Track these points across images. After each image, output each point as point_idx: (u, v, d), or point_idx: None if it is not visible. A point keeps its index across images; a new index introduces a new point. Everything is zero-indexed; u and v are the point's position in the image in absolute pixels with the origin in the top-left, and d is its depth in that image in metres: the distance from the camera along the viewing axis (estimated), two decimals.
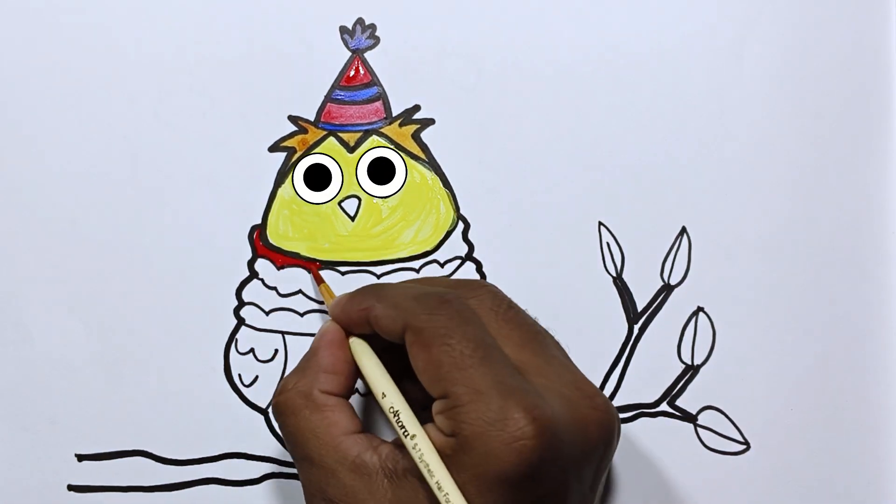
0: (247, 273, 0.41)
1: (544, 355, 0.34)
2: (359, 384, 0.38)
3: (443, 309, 0.33)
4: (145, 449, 0.41)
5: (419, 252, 0.42)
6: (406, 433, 0.32)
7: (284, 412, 0.35)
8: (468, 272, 0.42)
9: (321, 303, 0.41)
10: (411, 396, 0.34)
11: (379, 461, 0.33)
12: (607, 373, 0.42)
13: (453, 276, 0.41)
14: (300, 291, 0.41)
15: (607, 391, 0.42)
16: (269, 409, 0.41)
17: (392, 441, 0.35)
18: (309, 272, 0.41)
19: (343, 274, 0.41)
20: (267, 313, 0.41)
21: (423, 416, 0.33)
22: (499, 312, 0.35)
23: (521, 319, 0.35)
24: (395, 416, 0.33)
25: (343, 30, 0.42)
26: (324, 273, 0.41)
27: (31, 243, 0.41)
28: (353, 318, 0.36)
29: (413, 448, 0.32)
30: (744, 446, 0.42)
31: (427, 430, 0.33)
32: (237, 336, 0.41)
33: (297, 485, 0.41)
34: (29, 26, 0.41)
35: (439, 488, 0.31)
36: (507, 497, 0.31)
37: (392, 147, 0.42)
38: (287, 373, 0.41)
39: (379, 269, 0.41)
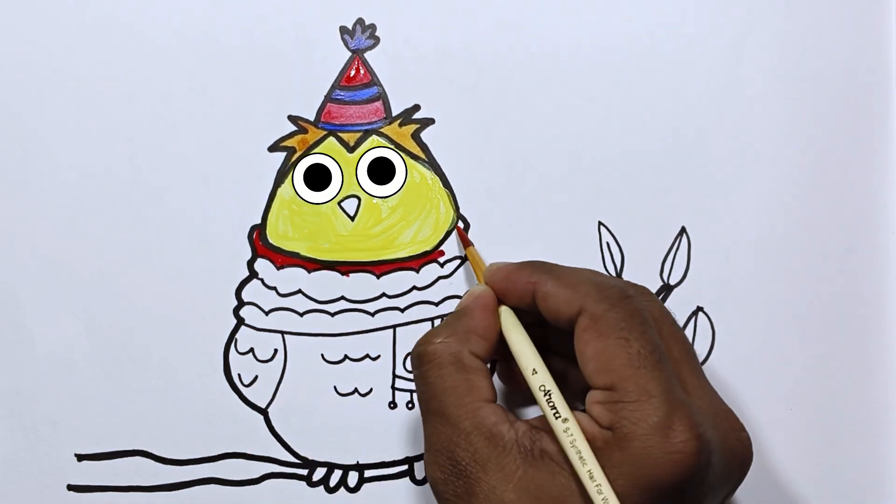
0: (247, 273, 0.41)
1: (699, 377, 0.35)
2: None
3: (624, 303, 0.33)
4: (145, 449, 0.41)
5: (419, 252, 0.42)
6: (557, 415, 0.32)
7: (430, 363, 0.35)
8: (468, 272, 0.41)
9: (323, 302, 0.41)
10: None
11: (515, 436, 0.33)
12: None
13: (452, 277, 0.41)
14: (300, 291, 0.41)
15: None
16: (269, 409, 0.41)
17: (528, 420, 0.34)
18: (455, 231, 0.41)
19: (343, 274, 0.41)
20: (267, 313, 0.41)
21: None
22: (665, 321, 0.35)
23: (682, 335, 0.35)
24: (546, 395, 0.33)
25: (343, 30, 0.42)
26: (323, 273, 0.41)
27: (32, 243, 0.41)
28: (517, 288, 0.35)
29: (564, 431, 0.32)
30: None
31: (577, 417, 0.32)
32: (237, 336, 0.41)
33: (296, 485, 0.41)
34: (29, 26, 0.41)
35: (591, 477, 0.31)
36: (650, 502, 0.31)
37: (392, 147, 0.42)
38: (292, 372, 0.41)
39: (379, 269, 0.41)
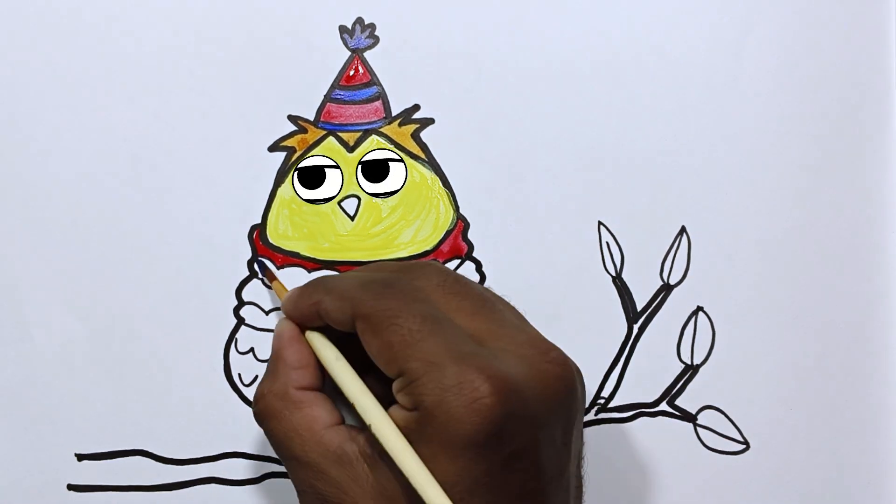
0: (247, 273, 0.41)
1: (497, 320, 0.34)
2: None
3: (388, 292, 0.34)
4: (145, 448, 0.41)
5: (419, 252, 0.42)
6: (365, 416, 0.33)
7: (266, 417, 0.35)
8: (468, 272, 0.42)
9: None
10: (378, 386, 0.34)
11: (358, 449, 0.34)
12: (607, 372, 0.42)
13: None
14: None
15: (607, 391, 0.42)
16: None
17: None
18: (260, 270, 0.41)
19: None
20: (267, 313, 0.41)
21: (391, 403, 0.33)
22: (445, 286, 0.35)
23: (468, 290, 0.35)
24: (356, 403, 0.33)
25: (343, 29, 0.42)
26: (323, 272, 0.41)
27: (32, 243, 0.41)
28: (305, 314, 0.36)
29: (375, 432, 0.32)
30: (743, 446, 0.42)
31: (390, 413, 0.33)
32: (237, 336, 0.41)
33: None
34: (29, 27, 0.41)
35: (402, 468, 0.31)
36: (476, 459, 0.31)
37: (392, 147, 0.42)
38: None
39: None
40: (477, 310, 0.34)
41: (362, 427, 0.33)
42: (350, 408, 0.34)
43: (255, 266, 0.41)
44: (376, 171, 0.42)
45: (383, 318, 0.33)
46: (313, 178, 0.41)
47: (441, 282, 0.35)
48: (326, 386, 0.37)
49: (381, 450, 0.33)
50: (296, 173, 0.41)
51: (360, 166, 0.42)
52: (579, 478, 0.35)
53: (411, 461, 0.31)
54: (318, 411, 0.35)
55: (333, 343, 0.36)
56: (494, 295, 0.36)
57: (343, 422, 0.35)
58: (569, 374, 0.33)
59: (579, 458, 0.35)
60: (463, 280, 0.36)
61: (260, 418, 0.36)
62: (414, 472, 0.31)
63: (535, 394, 0.32)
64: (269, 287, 0.41)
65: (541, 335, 0.35)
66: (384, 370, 0.33)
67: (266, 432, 0.36)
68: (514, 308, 0.36)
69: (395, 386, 0.33)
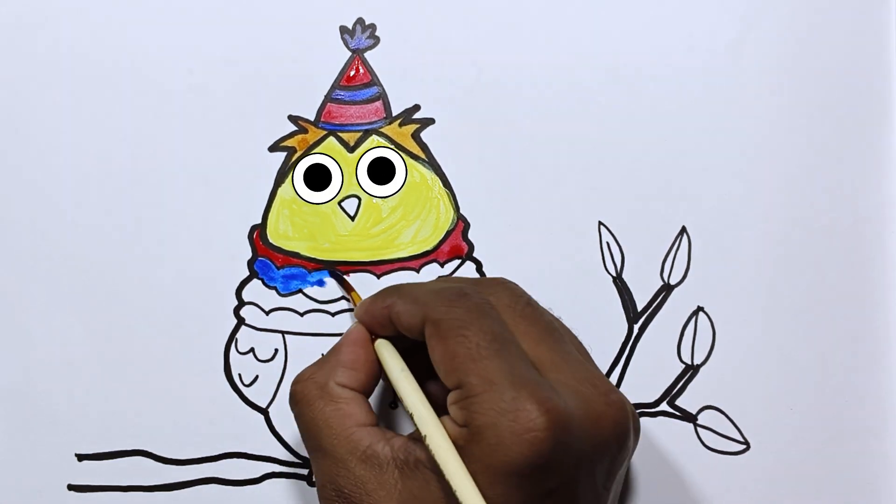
0: (247, 273, 0.41)
1: (560, 351, 0.34)
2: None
3: (460, 302, 0.34)
4: (145, 449, 0.41)
5: (419, 252, 0.42)
6: (421, 426, 0.32)
7: (300, 401, 0.35)
8: (468, 272, 0.42)
9: (323, 302, 0.41)
10: (437, 397, 0.34)
11: (391, 452, 0.33)
12: (607, 372, 0.42)
13: (454, 276, 0.42)
14: (300, 291, 0.41)
15: None
16: (269, 409, 0.41)
17: (409, 434, 0.35)
18: (335, 279, 0.41)
19: (344, 273, 0.41)
20: (267, 313, 0.41)
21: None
22: (516, 308, 0.35)
23: (538, 316, 0.35)
24: (413, 412, 0.33)
25: (343, 30, 0.42)
26: (324, 273, 0.41)
27: (32, 243, 0.41)
28: (376, 318, 0.36)
29: (429, 444, 0.32)
30: (744, 446, 0.42)
31: (443, 422, 0.32)
32: (237, 336, 0.41)
33: (297, 484, 0.41)
34: (29, 27, 0.41)
35: (450, 481, 0.31)
36: (516, 488, 0.31)
37: (392, 147, 0.42)
38: (293, 372, 0.41)
39: (379, 269, 0.41)
40: (543, 338, 0.34)
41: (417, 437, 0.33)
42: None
43: (331, 276, 0.41)
44: (381, 171, 0.42)
45: (452, 327, 0.33)
46: (319, 179, 0.41)
47: (512, 303, 0.35)
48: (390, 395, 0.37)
49: (419, 457, 0.33)
50: (300, 173, 0.41)
51: (365, 167, 0.42)
52: None
53: (463, 479, 0.31)
54: (354, 409, 0.35)
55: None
56: (562, 325, 0.36)
57: (376, 425, 0.35)
58: (624, 420, 0.33)
59: (615, 502, 0.35)
60: (534, 304, 0.36)
61: (293, 401, 0.36)
62: (465, 492, 0.30)
63: (587, 434, 0.32)
64: (347, 298, 0.41)
65: (602, 374, 0.35)
66: (443, 378, 0.33)
67: (295, 416, 0.36)
68: (579, 342, 0.36)
69: (450, 397, 0.33)
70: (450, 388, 0.33)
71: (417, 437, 0.33)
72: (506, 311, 0.35)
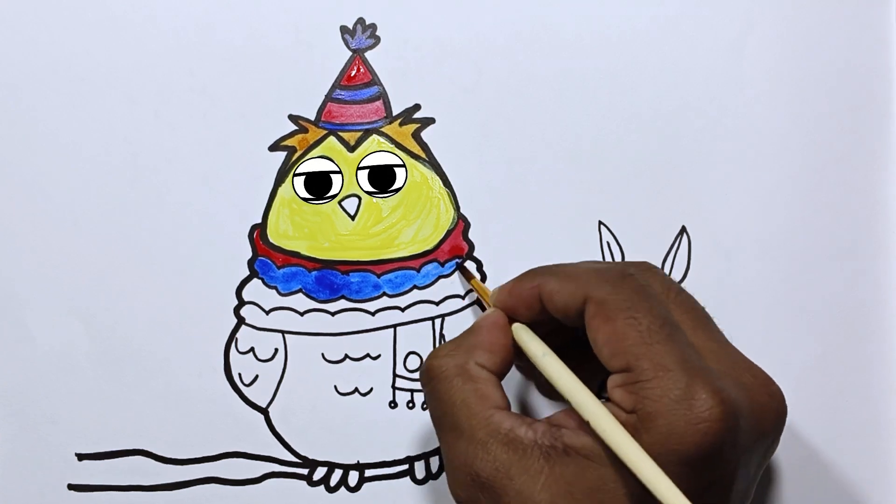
0: (247, 272, 0.41)
1: (718, 340, 0.34)
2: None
3: (626, 283, 0.33)
4: (145, 448, 0.41)
5: (419, 251, 0.42)
6: (583, 411, 0.31)
7: (436, 377, 0.34)
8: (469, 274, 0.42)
9: (323, 301, 0.41)
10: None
11: (534, 437, 0.32)
12: None
13: (453, 276, 0.41)
14: (300, 290, 0.41)
15: None
16: (269, 408, 0.41)
17: (548, 418, 0.34)
18: (460, 272, 0.41)
19: (344, 273, 0.41)
20: (267, 312, 0.41)
21: None
22: (670, 293, 0.34)
23: (691, 302, 0.34)
24: (571, 397, 0.32)
25: (344, 29, 0.42)
26: (323, 273, 0.41)
27: (32, 243, 0.41)
28: (523, 299, 0.35)
29: (596, 429, 0.31)
30: None
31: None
32: (237, 335, 0.41)
33: (297, 484, 0.41)
34: (29, 26, 0.41)
35: (633, 468, 0.30)
36: (682, 477, 0.30)
37: (392, 146, 0.42)
38: (292, 371, 0.41)
39: (379, 269, 0.41)
40: (698, 325, 0.34)
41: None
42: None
43: (456, 269, 0.41)
44: (381, 171, 0.42)
45: (621, 308, 0.32)
46: (319, 178, 0.41)
47: (665, 289, 0.34)
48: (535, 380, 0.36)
49: (567, 443, 0.32)
50: (301, 173, 0.41)
51: (365, 167, 0.42)
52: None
53: (646, 462, 0.30)
54: (492, 391, 0.34)
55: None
56: (709, 314, 0.35)
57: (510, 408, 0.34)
58: (783, 411, 0.33)
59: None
60: (685, 291, 0.35)
61: (429, 376, 0.35)
62: (650, 475, 0.29)
63: (749, 425, 0.31)
64: (469, 286, 0.41)
65: (757, 365, 0.34)
66: (605, 361, 0.32)
67: (430, 393, 0.34)
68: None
69: (614, 380, 0.32)
70: (611, 371, 0.32)
71: (558, 423, 0.32)
72: (664, 295, 0.34)
